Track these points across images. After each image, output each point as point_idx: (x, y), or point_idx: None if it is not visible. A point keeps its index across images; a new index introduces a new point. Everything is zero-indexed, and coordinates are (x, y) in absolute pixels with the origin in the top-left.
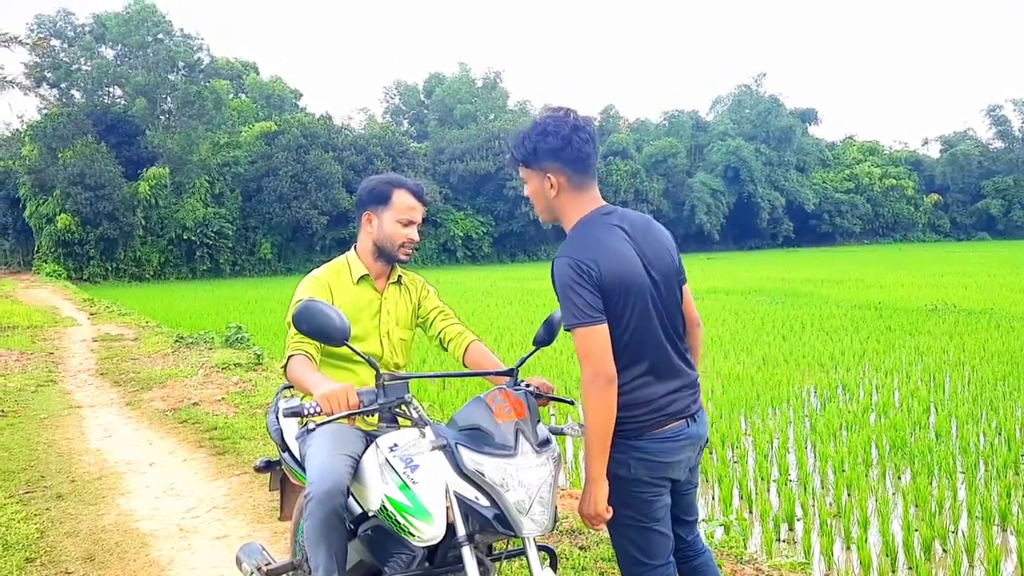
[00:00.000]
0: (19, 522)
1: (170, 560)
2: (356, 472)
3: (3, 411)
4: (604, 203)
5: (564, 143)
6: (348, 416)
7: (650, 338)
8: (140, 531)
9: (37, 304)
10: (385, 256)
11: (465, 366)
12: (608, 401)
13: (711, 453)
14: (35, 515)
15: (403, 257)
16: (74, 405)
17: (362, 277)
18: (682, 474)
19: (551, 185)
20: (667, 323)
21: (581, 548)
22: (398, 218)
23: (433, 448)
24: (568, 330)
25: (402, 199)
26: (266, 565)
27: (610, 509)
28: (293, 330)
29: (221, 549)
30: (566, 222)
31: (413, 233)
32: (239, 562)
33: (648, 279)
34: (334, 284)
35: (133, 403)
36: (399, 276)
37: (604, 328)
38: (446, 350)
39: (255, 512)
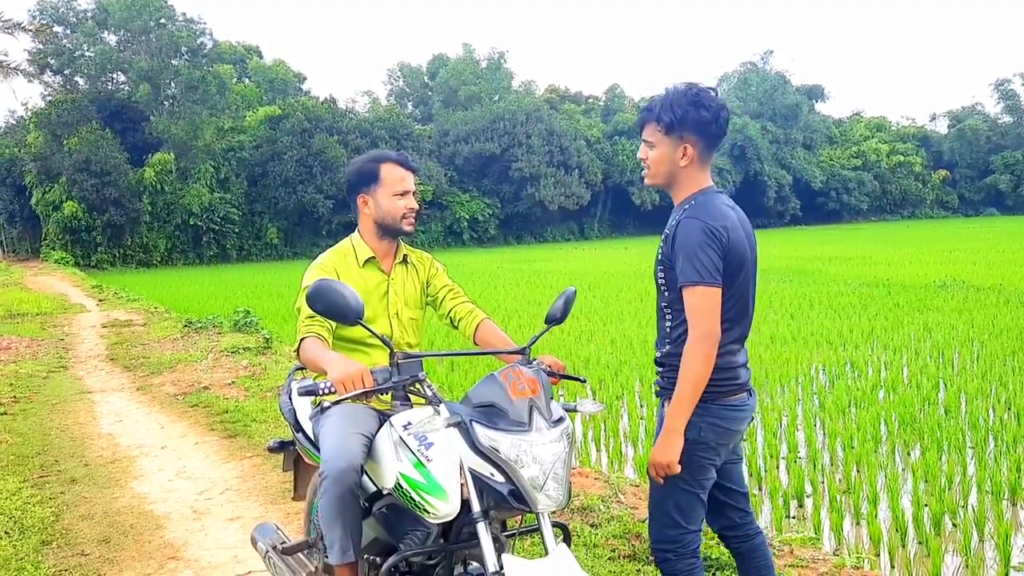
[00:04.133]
0: (34, 505)
1: (184, 542)
2: (370, 451)
3: (15, 397)
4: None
5: (713, 118)
6: (362, 395)
7: (745, 310)
8: (154, 513)
9: (46, 291)
10: (390, 232)
11: (476, 344)
12: (711, 359)
13: None
14: (50, 499)
15: (408, 228)
16: (85, 390)
17: (368, 259)
18: (734, 444)
19: (684, 154)
20: (753, 302)
21: (592, 526)
22: (392, 192)
23: (448, 425)
24: (685, 286)
25: (391, 172)
26: (281, 544)
27: (678, 464)
28: (304, 314)
29: (234, 530)
30: (680, 191)
31: (411, 202)
32: (254, 541)
33: (751, 258)
34: (340, 268)
35: (144, 388)
36: (404, 255)
37: (720, 292)
38: (456, 328)
39: (267, 494)
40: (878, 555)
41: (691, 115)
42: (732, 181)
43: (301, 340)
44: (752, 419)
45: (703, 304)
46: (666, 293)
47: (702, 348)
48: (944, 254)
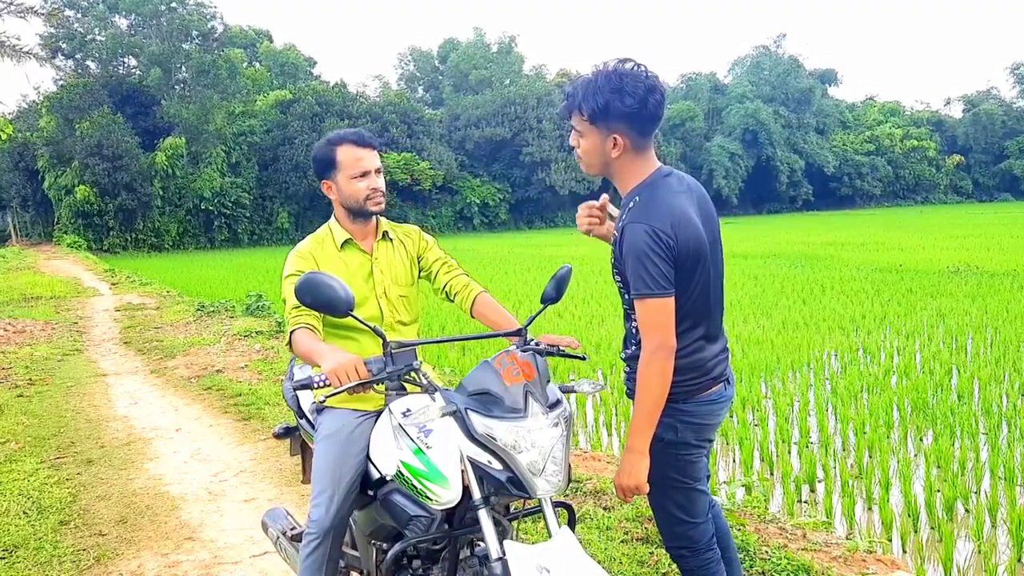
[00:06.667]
0: (52, 486)
1: (200, 523)
2: (370, 440)
3: (31, 380)
4: (660, 163)
5: (640, 105)
6: (358, 386)
7: (708, 303)
8: (170, 494)
9: (59, 275)
10: (360, 215)
11: (473, 317)
12: (668, 372)
13: (732, 416)
14: (67, 480)
15: (374, 208)
16: (100, 373)
17: (346, 242)
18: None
19: (614, 145)
20: (719, 288)
21: (605, 508)
22: (351, 175)
23: (443, 414)
24: (636, 298)
25: (347, 155)
26: (291, 529)
27: (646, 484)
28: (291, 304)
29: (249, 512)
30: (623, 182)
31: (373, 182)
32: (265, 527)
33: (709, 245)
34: (319, 255)
35: (158, 371)
36: (384, 232)
37: (672, 300)
38: (452, 302)
39: (281, 475)
40: (890, 540)
41: (614, 105)
42: (744, 166)
43: (291, 332)
44: (730, 407)
45: (653, 316)
46: (626, 296)
47: (655, 362)
48: (958, 240)
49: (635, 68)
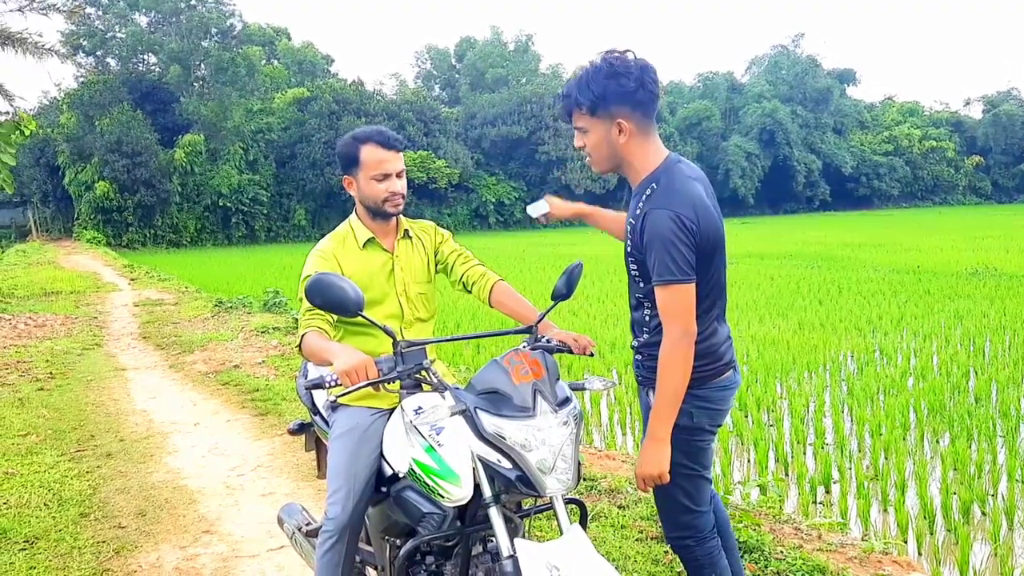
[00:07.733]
0: (72, 479)
1: (218, 516)
2: (384, 437)
3: (52, 373)
4: (667, 149)
5: (637, 84)
6: (368, 386)
7: (721, 289)
8: (188, 488)
9: (79, 270)
10: (378, 215)
11: (492, 307)
12: (691, 359)
13: (746, 416)
14: (87, 472)
15: (392, 210)
16: (119, 367)
17: (368, 240)
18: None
19: (620, 131)
20: (726, 275)
21: (620, 507)
22: (372, 175)
23: (453, 414)
24: (658, 284)
25: (370, 155)
26: (306, 525)
27: (668, 473)
28: (304, 306)
29: (266, 506)
30: (633, 170)
31: (393, 185)
32: (280, 522)
33: (721, 228)
34: (340, 254)
35: (176, 366)
36: (405, 229)
37: (693, 287)
38: (470, 293)
39: (298, 470)
40: (906, 542)
41: (612, 89)
42: (760, 165)
43: (302, 336)
44: (736, 393)
45: (677, 303)
46: (641, 284)
47: (679, 349)
48: (976, 241)
49: (623, 54)
